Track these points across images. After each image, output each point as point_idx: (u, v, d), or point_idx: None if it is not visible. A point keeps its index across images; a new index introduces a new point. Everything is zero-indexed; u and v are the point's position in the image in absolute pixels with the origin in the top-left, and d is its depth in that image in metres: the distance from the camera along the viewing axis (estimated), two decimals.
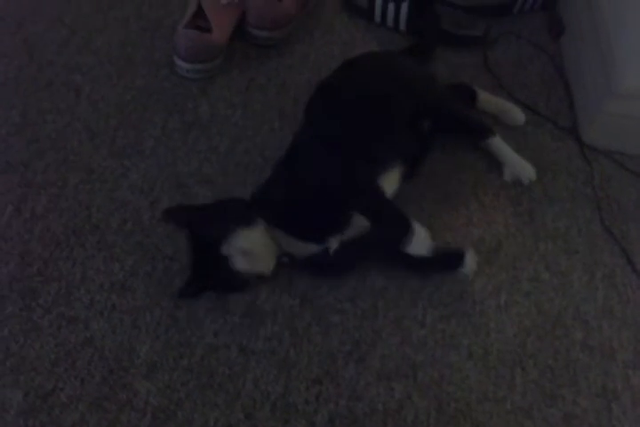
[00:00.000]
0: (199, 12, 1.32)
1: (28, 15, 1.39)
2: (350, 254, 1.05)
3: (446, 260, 1.10)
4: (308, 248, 1.03)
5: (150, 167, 1.18)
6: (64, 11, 1.42)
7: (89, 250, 1.08)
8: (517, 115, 1.32)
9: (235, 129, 1.26)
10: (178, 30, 1.30)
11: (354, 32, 1.46)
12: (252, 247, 0.99)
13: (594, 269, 1.14)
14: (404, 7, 1.41)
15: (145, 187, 1.16)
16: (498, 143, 1.25)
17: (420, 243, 1.00)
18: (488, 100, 1.33)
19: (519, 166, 1.23)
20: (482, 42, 1.45)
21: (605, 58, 1.29)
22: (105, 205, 1.13)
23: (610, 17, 1.31)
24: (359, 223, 1.02)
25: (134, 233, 1.10)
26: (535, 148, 1.27)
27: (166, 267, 1.07)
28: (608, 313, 1.09)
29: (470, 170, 1.24)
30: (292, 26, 1.40)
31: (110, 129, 1.23)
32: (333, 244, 1.03)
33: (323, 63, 1.37)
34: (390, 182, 1.09)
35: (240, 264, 0.98)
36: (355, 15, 1.48)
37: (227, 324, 1.03)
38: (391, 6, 1.42)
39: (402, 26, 1.44)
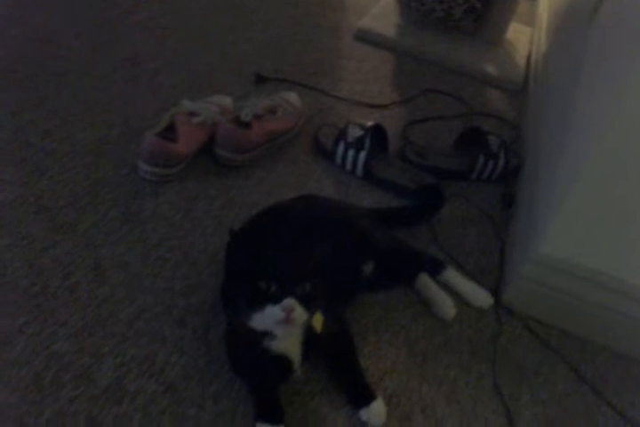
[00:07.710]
0: (171, 127, 1.45)
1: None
2: None
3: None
4: None
5: (77, 246, 1.25)
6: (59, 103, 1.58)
7: None
8: (449, 309, 1.28)
9: (169, 228, 1.33)
10: (144, 135, 1.41)
11: (314, 168, 1.58)
12: None
13: (471, 422, 1.13)
14: (362, 156, 1.54)
15: (65, 261, 1.22)
16: (452, 274, 1.34)
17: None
18: (427, 285, 1.32)
19: (477, 293, 1.33)
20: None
21: (529, 224, 1.37)
22: (24, 269, 1.19)
23: (543, 187, 1.40)
24: None
25: (38, 296, 1.15)
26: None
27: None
28: None
29: (377, 307, 1.28)
30: (257, 153, 1.53)
31: (57, 207, 1.32)
32: None
33: (275, 189, 1.48)
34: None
35: None
36: (320, 156, 1.62)
37: (86, 392, 1.03)
38: (351, 152, 1.55)
39: (358, 172, 1.57)
